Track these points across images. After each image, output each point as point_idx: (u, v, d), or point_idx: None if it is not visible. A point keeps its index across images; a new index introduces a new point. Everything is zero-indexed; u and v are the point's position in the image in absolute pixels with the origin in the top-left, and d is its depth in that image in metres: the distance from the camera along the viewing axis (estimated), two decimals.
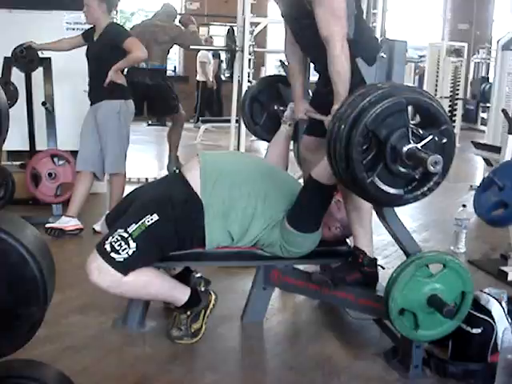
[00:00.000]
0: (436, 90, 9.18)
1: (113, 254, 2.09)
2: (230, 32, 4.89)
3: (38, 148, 4.19)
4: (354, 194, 2.05)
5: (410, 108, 1.81)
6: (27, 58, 3.93)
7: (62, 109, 4.25)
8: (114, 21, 3.93)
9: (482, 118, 11.02)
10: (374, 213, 2.22)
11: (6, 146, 4.39)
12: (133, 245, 2.10)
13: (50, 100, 4.10)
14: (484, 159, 4.76)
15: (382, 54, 2.13)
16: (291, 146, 2.72)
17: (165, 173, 5.23)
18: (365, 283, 2.26)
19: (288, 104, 2.63)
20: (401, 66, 2.14)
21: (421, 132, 1.79)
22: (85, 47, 3.75)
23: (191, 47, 5.80)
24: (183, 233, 2.20)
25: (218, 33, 10.40)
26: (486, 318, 2.17)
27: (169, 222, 2.16)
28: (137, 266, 2.13)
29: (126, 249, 2.09)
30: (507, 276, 3.19)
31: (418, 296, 2.01)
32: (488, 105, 7.92)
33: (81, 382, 1.70)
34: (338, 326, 2.62)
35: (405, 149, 1.77)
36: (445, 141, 1.81)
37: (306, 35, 2.26)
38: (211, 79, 10.26)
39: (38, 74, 4.08)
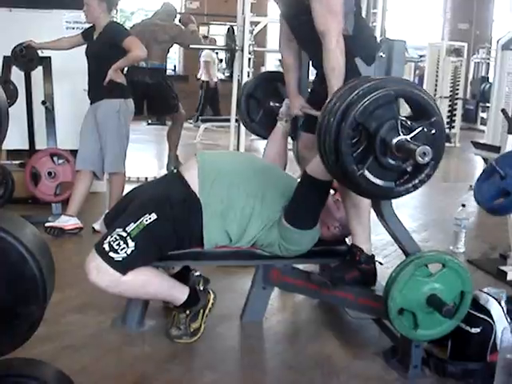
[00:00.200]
0: (436, 90, 9.20)
1: (111, 254, 2.09)
2: (230, 31, 4.89)
3: (37, 147, 4.19)
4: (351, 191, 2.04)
5: (401, 100, 1.80)
6: (27, 57, 3.93)
7: (61, 108, 4.25)
8: (114, 20, 3.93)
9: (482, 117, 11.02)
10: (372, 211, 2.22)
11: (6, 145, 4.41)
12: (131, 244, 2.10)
13: (50, 99, 4.09)
14: (484, 159, 4.77)
15: (381, 54, 2.13)
16: (290, 145, 2.71)
17: (164, 172, 5.22)
18: (363, 281, 2.26)
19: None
20: (400, 66, 2.14)
21: (410, 124, 1.78)
22: (84, 46, 3.75)
23: (191, 46, 5.80)
24: (181, 232, 2.20)
25: (217, 32, 10.41)
26: (485, 317, 2.17)
27: (167, 222, 2.16)
28: (136, 266, 2.13)
29: (124, 248, 2.09)
30: (506, 275, 3.19)
31: (418, 295, 2.02)
32: (488, 105, 7.93)
33: (80, 381, 1.70)
34: (338, 325, 2.62)
35: (394, 141, 1.75)
36: (434, 132, 1.79)
37: (304, 31, 2.27)
38: (214, 79, 10.23)
39: (37, 73, 4.08)
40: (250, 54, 5.10)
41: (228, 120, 5.29)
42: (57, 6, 4.58)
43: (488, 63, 11.90)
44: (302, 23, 2.25)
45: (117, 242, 2.10)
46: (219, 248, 2.27)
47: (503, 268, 3.26)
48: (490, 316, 2.18)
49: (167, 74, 5.78)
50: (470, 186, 5.44)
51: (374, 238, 2.46)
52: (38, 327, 1.38)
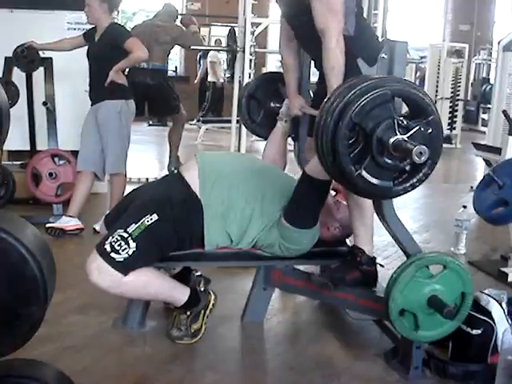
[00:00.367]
0: (437, 91, 9.21)
1: (113, 254, 2.09)
2: (232, 32, 4.89)
3: (38, 148, 4.19)
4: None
5: (398, 100, 1.80)
6: (28, 57, 3.93)
7: (62, 109, 4.25)
8: (115, 21, 3.93)
9: (483, 119, 11.02)
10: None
11: (7, 146, 4.41)
12: (133, 245, 2.10)
13: (51, 100, 4.10)
14: (484, 160, 4.75)
15: (383, 55, 2.13)
16: (291, 147, 2.71)
17: (165, 173, 5.23)
18: (364, 282, 2.26)
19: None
20: (401, 67, 2.13)
21: (407, 123, 1.77)
22: (86, 47, 3.75)
23: (192, 47, 5.80)
24: (182, 233, 2.20)
25: (219, 33, 10.42)
26: (486, 319, 2.17)
27: (168, 222, 2.16)
28: (137, 266, 2.13)
29: (125, 249, 2.09)
30: (507, 277, 3.19)
31: (419, 297, 2.01)
32: (489, 106, 7.92)
33: (81, 382, 1.70)
34: (339, 326, 2.62)
35: (391, 140, 1.74)
36: (431, 131, 1.79)
37: (304, 31, 2.27)
38: (221, 80, 10.24)
39: (38, 74, 4.09)
40: (251, 55, 5.11)
41: (229, 121, 5.29)
42: (58, 7, 4.59)
43: (489, 64, 11.91)
44: (302, 23, 2.25)
45: (118, 243, 2.10)
46: (220, 249, 2.27)
47: (504, 269, 3.26)
48: (491, 317, 2.17)
49: (168, 75, 5.78)
50: (471, 187, 5.44)
51: (376, 239, 2.46)
52: (39, 328, 1.38)
